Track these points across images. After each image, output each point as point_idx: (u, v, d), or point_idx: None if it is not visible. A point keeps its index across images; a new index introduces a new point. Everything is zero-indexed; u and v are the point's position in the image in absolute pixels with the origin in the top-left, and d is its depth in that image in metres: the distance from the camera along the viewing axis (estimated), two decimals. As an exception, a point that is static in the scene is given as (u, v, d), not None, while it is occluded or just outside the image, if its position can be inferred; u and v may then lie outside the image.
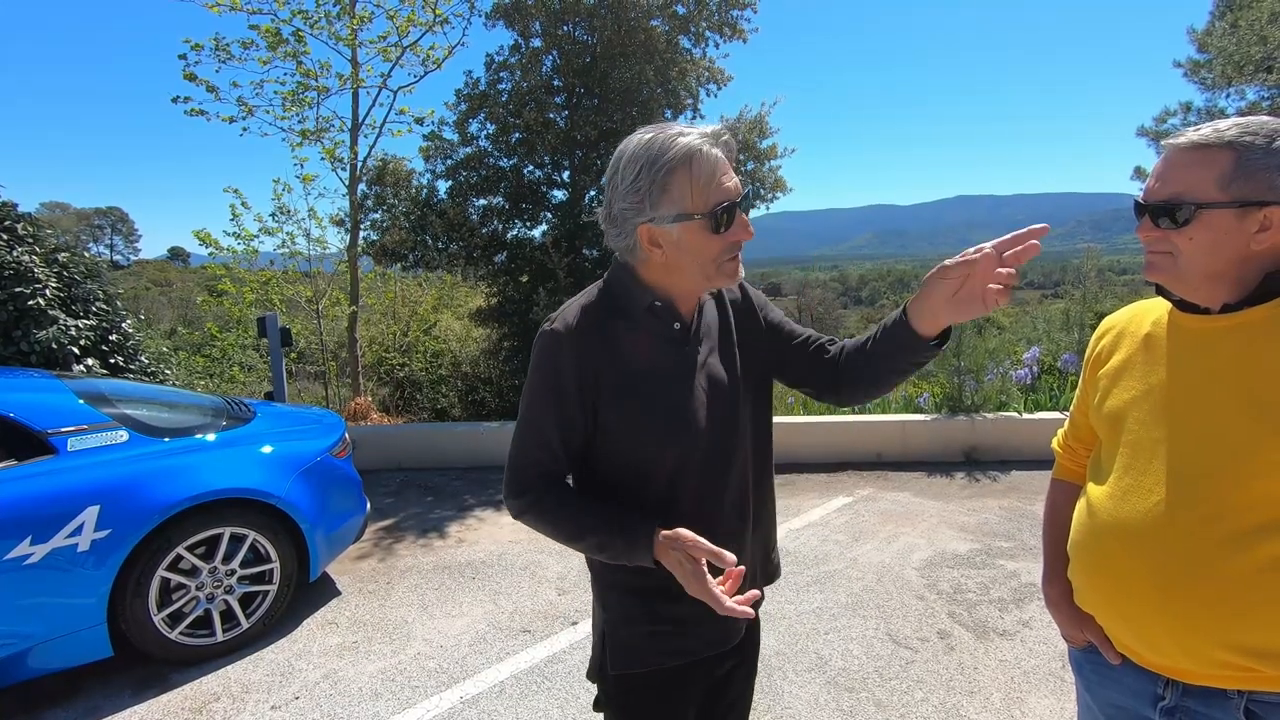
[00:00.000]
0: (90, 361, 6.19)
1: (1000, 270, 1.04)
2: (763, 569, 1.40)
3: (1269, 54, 9.42)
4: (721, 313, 1.34)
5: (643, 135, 1.16)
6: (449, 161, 8.50)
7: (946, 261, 1.08)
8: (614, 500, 1.24)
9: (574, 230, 8.14)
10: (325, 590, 3.86)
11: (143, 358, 6.92)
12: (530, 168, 8.52)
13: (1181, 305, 1.17)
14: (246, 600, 3.28)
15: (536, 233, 8.77)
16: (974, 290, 1.06)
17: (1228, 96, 10.66)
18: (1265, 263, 1.07)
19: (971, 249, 1.07)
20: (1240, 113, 10.18)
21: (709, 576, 1.10)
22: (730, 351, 1.31)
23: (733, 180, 1.16)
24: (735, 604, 1.08)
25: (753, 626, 1.42)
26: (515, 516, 1.26)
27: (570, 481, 1.31)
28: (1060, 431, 1.50)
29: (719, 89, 8.82)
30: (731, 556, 1.08)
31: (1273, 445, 1.01)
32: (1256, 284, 1.08)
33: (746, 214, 1.19)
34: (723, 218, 1.14)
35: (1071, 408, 1.45)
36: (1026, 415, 6.12)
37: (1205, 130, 1.07)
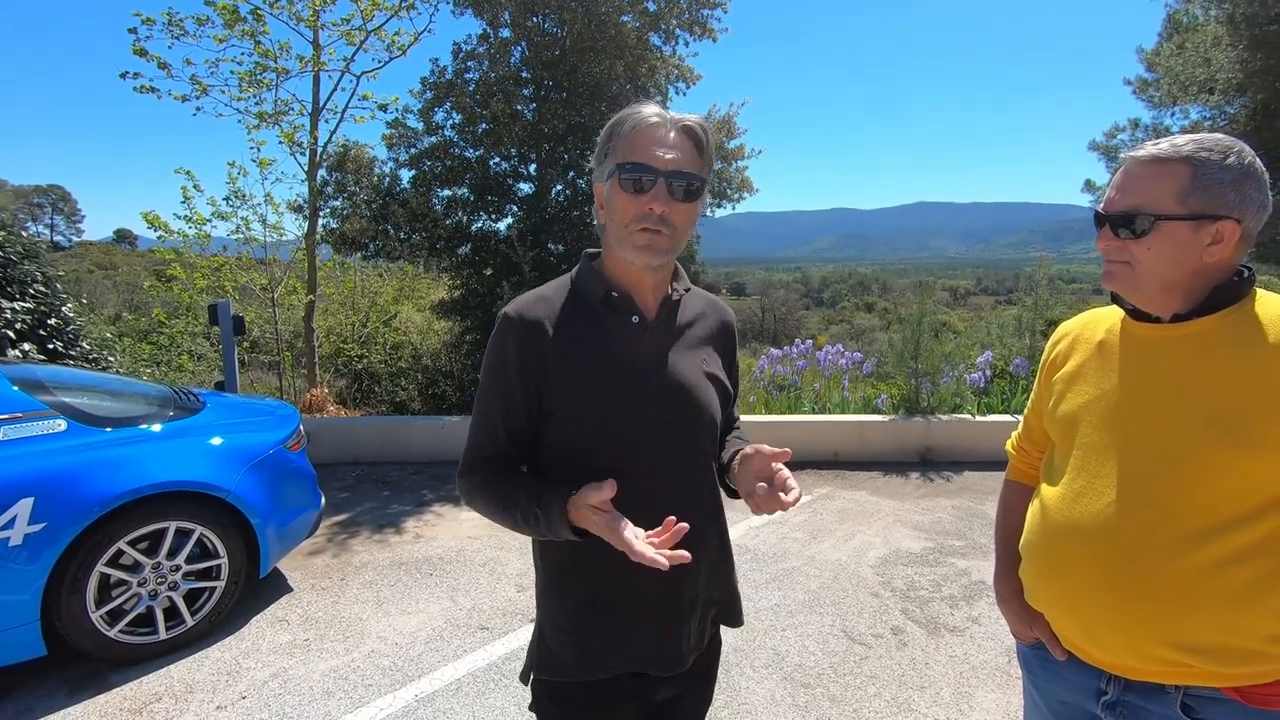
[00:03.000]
0: (27, 346, 5.89)
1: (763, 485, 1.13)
2: (713, 596, 1.33)
3: (1212, 76, 9.86)
4: (711, 322, 1.35)
5: None
6: (413, 150, 8.33)
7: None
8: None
9: (540, 224, 8.06)
10: (276, 587, 3.75)
11: (84, 343, 6.62)
12: (496, 159, 8.40)
13: (1134, 314, 1.21)
14: (192, 597, 3.16)
15: (502, 225, 8.66)
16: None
17: (1173, 115, 11.12)
18: (1215, 275, 1.12)
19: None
20: (1184, 131, 10.61)
21: (627, 524, 1.05)
22: (702, 357, 1.30)
23: (670, 155, 1.13)
24: (651, 551, 1.01)
25: (706, 659, 1.36)
26: (465, 501, 1.25)
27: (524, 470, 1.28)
28: (1014, 434, 1.54)
29: (688, 87, 8.84)
30: (610, 486, 1.05)
31: (1215, 451, 1.06)
32: (1205, 295, 1.12)
33: (683, 198, 1.15)
34: (632, 175, 1.12)
35: (1025, 411, 1.49)
36: (979, 418, 6.30)
37: (1164, 145, 1.11)
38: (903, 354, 6.60)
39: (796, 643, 3.17)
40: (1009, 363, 7.23)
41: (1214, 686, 1.09)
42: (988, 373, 6.95)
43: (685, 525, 1.05)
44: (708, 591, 1.32)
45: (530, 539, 1.27)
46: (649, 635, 1.23)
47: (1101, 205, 1.18)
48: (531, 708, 1.30)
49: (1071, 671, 1.26)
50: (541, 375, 1.18)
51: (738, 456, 1.24)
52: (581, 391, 1.18)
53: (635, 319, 1.23)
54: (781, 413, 7.01)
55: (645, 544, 1.03)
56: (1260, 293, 1.13)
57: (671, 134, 1.15)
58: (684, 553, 1.02)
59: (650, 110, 1.16)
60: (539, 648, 1.26)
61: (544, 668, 1.25)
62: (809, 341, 8.20)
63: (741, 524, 4.61)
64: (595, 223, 1.26)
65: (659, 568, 1.00)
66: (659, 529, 1.07)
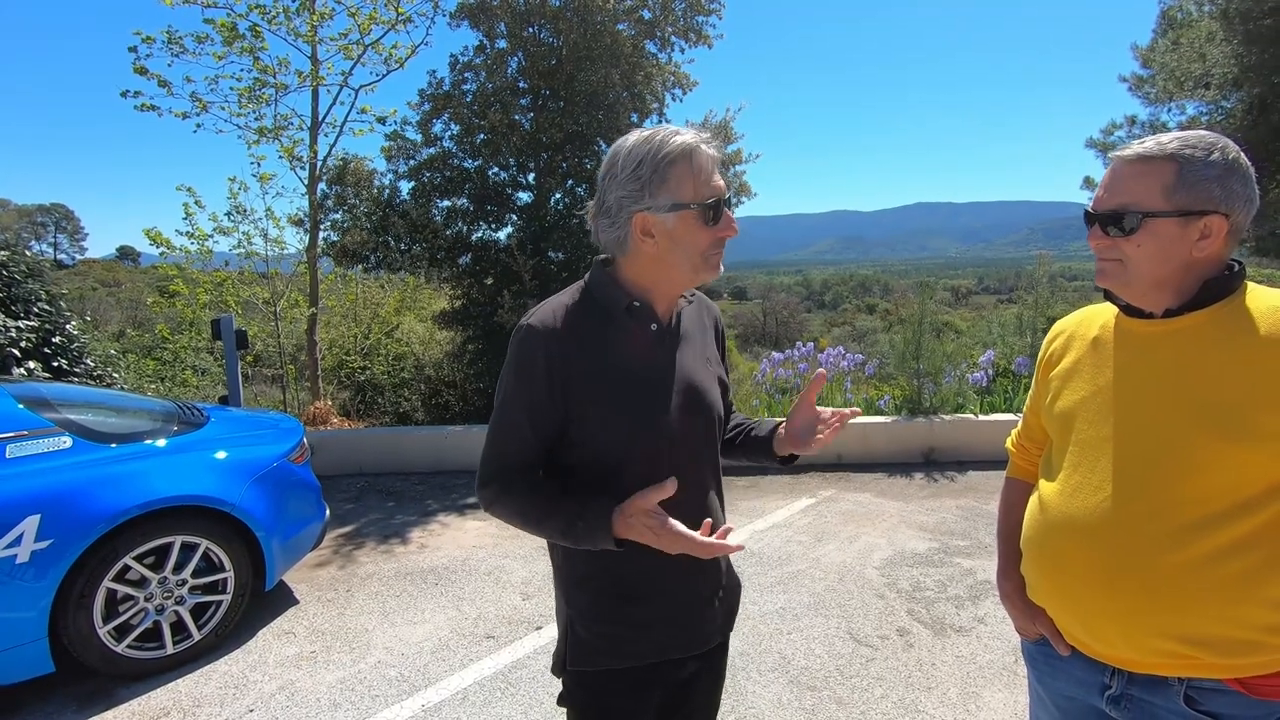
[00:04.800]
0: (32, 364, 5.93)
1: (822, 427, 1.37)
2: (727, 583, 1.42)
3: (1207, 71, 9.88)
4: (705, 323, 1.43)
5: (642, 132, 1.23)
6: (412, 162, 8.38)
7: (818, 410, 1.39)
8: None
9: (539, 233, 8.09)
10: (282, 599, 3.76)
11: (88, 360, 6.65)
12: (495, 169, 8.44)
13: (1127, 310, 1.22)
14: (198, 611, 3.17)
15: (501, 235, 8.69)
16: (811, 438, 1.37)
17: (1169, 111, 11.14)
18: (1205, 270, 1.13)
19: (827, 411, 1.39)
20: (1181, 127, 10.65)
21: (679, 525, 1.14)
22: (706, 357, 1.38)
23: (720, 181, 1.24)
24: (714, 540, 1.13)
25: (724, 635, 1.43)
26: (486, 508, 1.28)
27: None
28: (1014, 432, 1.55)
29: (684, 94, 8.87)
30: (672, 484, 1.16)
31: (1208, 443, 1.06)
32: (1196, 290, 1.13)
33: (731, 213, 1.27)
34: (717, 210, 1.22)
35: (1024, 408, 1.50)
36: (982, 417, 6.29)
37: (1149, 143, 1.12)
38: (904, 355, 6.60)
39: (802, 646, 3.17)
40: (1011, 361, 7.22)
41: (1216, 678, 1.09)
42: (990, 372, 6.94)
43: (730, 528, 1.17)
44: (727, 578, 1.41)
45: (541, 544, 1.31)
46: (676, 620, 1.29)
47: (1091, 204, 1.20)
48: (562, 700, 1.35)
49: (1075, 666, 1.26)
50: (568, 383, 1.21)
51: (780, 427, 1.43)
52: (609, 398, 1.22)
53: (654, 326, 1.29)
54: (784, 415, 7.01)
55: (718, 542, 1.14)
56: (1251, 286, 1.14)
57: (714, 158, 1.23)
58: (740, 542, 1.16)
59: (692, 138, 1.20)
60: (571, 640, 1.30)
61: (578, 659, 1.28)
62: (810, 344, 8.20)
63: (746, 528, 4.61)
64: (610, 239, 1.25)
65: (726, 553, 1.15)
66: (702, 529, 1.16)
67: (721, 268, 1.28)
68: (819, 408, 1.38)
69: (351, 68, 7.84)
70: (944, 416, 6.26)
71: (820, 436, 1.36)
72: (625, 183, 1.20)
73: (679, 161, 1.18)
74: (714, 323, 1.47)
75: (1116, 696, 1.19)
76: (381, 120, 8.19)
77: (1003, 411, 6.58)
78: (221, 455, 3.35)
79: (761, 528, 4.65)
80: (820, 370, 1.47)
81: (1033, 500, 1.32)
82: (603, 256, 1.32)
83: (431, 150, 8.32)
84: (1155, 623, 1.09)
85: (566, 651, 1.30)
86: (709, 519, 1.18)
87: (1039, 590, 1.28)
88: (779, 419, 1.46)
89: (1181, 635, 1.08)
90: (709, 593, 1.34)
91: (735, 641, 3.12)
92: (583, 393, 1.21)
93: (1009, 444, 1.56)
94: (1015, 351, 7.43)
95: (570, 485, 1.28)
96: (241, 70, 7.52)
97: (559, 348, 1.21)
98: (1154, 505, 1.10)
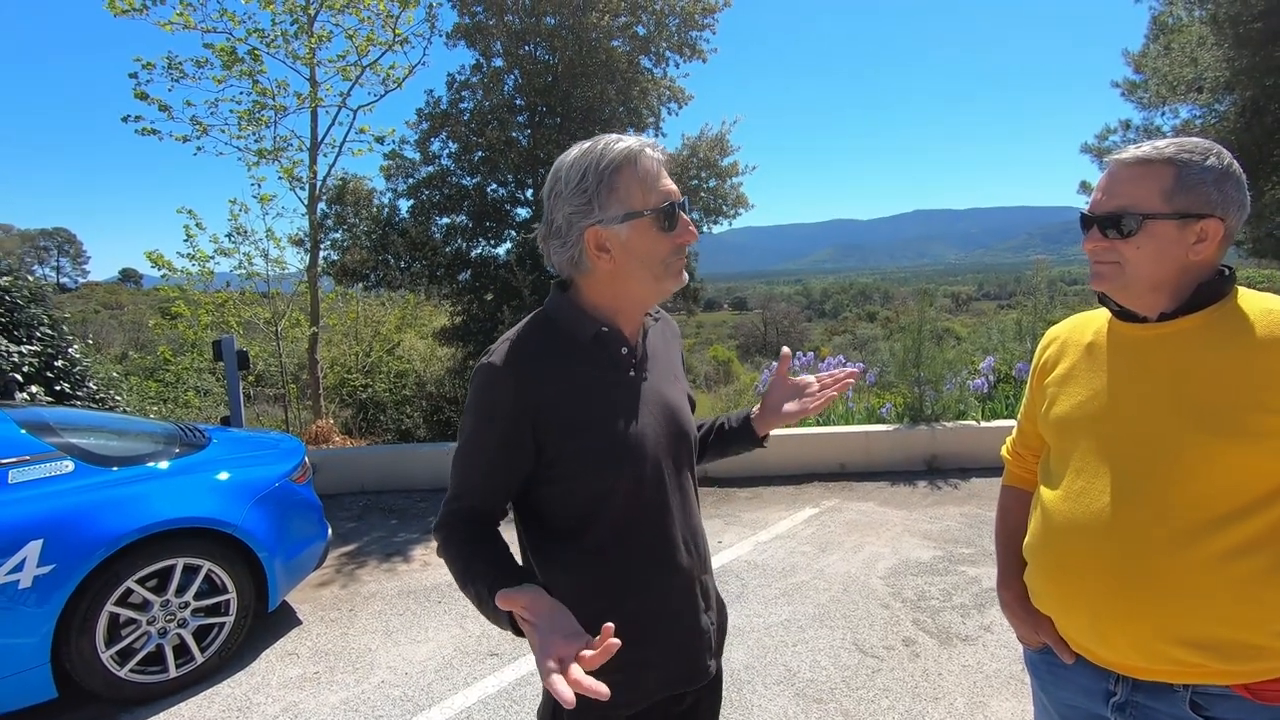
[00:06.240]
0: (34, 389, 5.95)
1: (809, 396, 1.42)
2: (719, 608, 1.38)
3: (1199, 75, 9.95)
4: (668, 340, 1.39)
5: (580, 145, 1.17)
6: (410, 180, 8.46)
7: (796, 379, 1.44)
8: (548, 545, 1.20)
9: (538, 248, 8.15)
10: (285, 620, 3.74)
11: (91, 384, 6.67)
12: (493, 186, 8.52)
13: (1121, 314, 1.22)
14: (201, 633, 3.16)
15: (501, 251, 8.75)
16: (794, 406, 1.42)
17: (1163, 115, 11.22)
18: (1199, 273, 1.14)
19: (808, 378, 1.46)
20: (1175, 130, 10.72)
21: (555, 645, 0.95)
22: (674, 375, 1.35)
23: (671, 184, 1.19)
24: (569, 693, 0.89)
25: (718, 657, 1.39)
26: (437, 551, 1.22)
27: (506, 521, 1.25)
28: (1009, 439, 1.55)
29: (680, 108, 8.96)
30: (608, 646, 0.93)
31: (1206, 445, 1.07)
32: (1190, 294, 1.14)
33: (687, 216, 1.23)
34: (671, 215, 1.16)
35: (1019, 416, 1.50)
36: (984, 423, 6.27)
37: (1146, 148, 1.14)
38: (905, 362, 6.59)
39: (808, 658, 3.15)
40: (1012, 367, 7.21)
41: (1223, 684, 1.09)
42: (991, 378, 6.93)
43: (617, 642, 0.92)
44: (718, 602, 1.36)
45: (534, 567, 1.25)
46: (676, 656, 1.25)
47: (1088, 207, 1.21)
48: None
49: (1079, 674, 1.25)
50: (539, 421, 1.14)
51: (753, 409, 1.45)
52: (586, 431, 1.16)
53: (624, 350, 1.23)
54: (787, 427, 7.01)
55: (565, 684, 0.90)
56: (1241, 290, 1.15)
57: (659, 160, 1.17)
58: (603, 689, 0.90)
59: (634, 143, 1.14)
60: None
61: (577, 710, 1.11)
62: (811, 354, 8.21)
63: (749, 540, 4.59)
64: (562, 259, 1.19)
65: (598, 697, 0.89)
66: (599, 638, 0.94)
67: (685, 276, 1.23)
68: (806, 376, 1.42)
69: (350, 89, 7.93)
70: (946, 424, 6.25)
71: (814, 403, 1.39)
72: (571, 197, 1.13)
73: (624, 168, 1.12)
74: (676, 338, 1.44)
75: (1121, 704, 1.19)
76: (380, 140, 8.26)
77: (1005, 418, 6.56)
78: (223, 476, 3.35)
79: (765, 539, 4.63)
80: (785, 350, 1.52)
81: (1035, 508, 1.32)
82: (560, 279, 1.25)
83: (430, 168, 8.40)
84: (1163, 627, 1.09)
85: (558, 705, 1.16)
86: (610, 624, 0.94)
87: (1044, 597, 1.27)
88: (747, 409, 1.47)
89: (1189, 639, 1.07)
90: (706, 624, 1.29)
91: (740, 654, 3.11)
92: (557, 429, 1.14)
93: (1004, 452, 1.56)
94: (1016, 357, 7.42)
95: (548, 538, 1.21)
96: (241, 93, 7.61)
97: (529, 387, 1.13)
98: (1157, 509, 1.10)
